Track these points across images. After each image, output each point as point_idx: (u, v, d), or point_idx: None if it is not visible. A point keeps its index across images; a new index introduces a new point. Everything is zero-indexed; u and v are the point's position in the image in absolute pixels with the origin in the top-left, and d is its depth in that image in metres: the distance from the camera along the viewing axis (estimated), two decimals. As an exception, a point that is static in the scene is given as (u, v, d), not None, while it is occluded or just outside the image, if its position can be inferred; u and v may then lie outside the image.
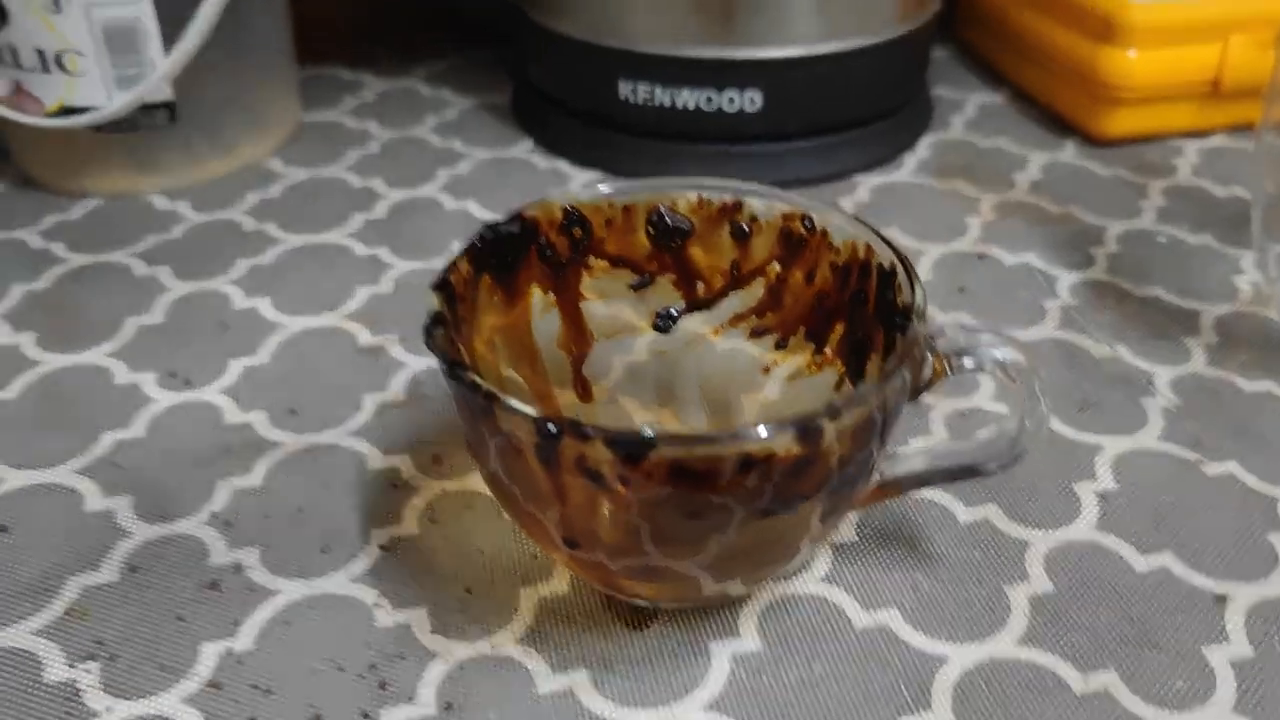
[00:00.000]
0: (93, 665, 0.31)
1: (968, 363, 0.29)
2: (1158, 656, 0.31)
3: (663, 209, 0.35)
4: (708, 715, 0.30)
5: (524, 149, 0.58)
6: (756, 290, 0.35)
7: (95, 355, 0.43)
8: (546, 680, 0.31)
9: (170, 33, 0.49)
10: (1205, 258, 0.48)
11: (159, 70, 0.49)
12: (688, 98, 0.52)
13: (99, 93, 0.50)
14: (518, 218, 0.33)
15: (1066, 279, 0.47)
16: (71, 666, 0.31)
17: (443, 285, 0.30)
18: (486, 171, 0.56)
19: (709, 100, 0.52)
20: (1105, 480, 0.37)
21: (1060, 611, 0.33)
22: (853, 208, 0.52)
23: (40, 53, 0.49)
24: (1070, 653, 0.31)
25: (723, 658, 0.31)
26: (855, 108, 0.54)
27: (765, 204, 0.34)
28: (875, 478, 0.31)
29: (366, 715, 0.30)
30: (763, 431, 0.25)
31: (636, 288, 0.36)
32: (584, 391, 0.36)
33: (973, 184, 0.54)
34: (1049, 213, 0.52)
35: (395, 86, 0.65)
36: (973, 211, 0.52)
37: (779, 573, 0.33)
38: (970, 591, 0.33)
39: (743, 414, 0.36)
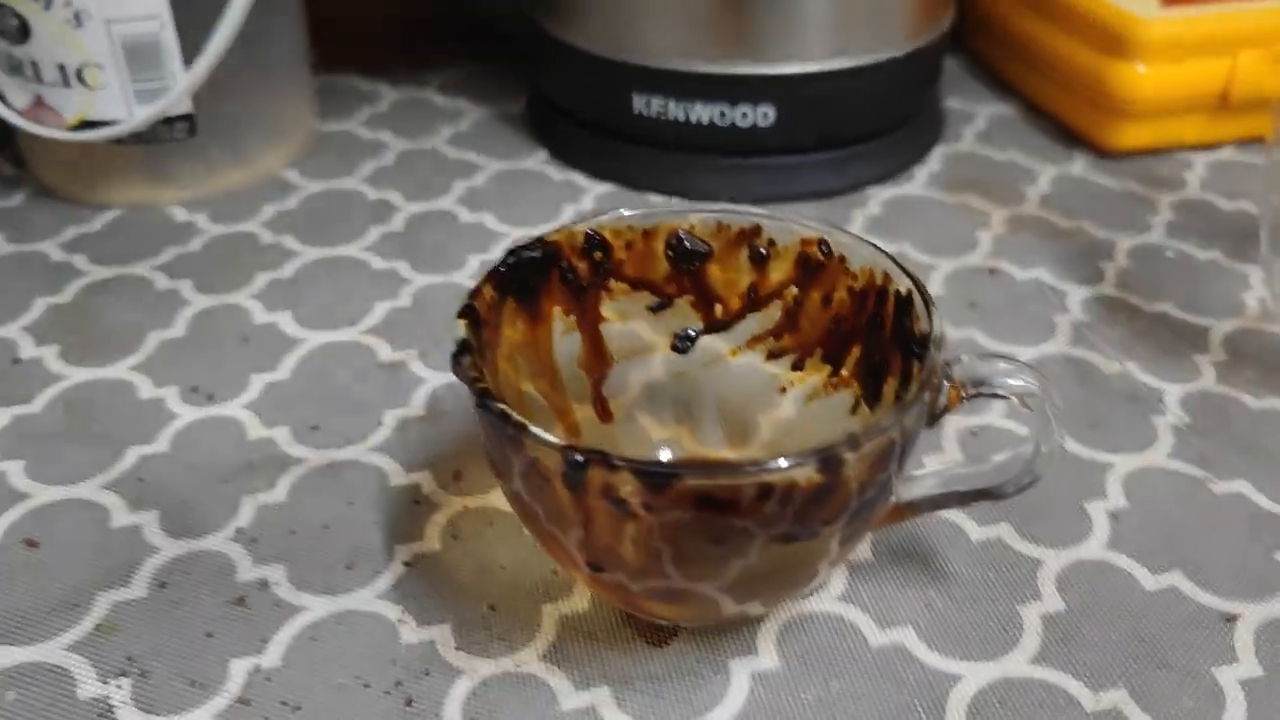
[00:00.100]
0: (124, 681, 0.32)
1: (984, 390, 0.30)
2: (1168, 675, 0.32)
3: (682, 233, 0.35)
4: (728, 733, 0.31)
5: (538, 160, 0.58)
6: (774, 313, 0.36)
7: (118, 369, 0.44)
8: (569, 697, 0.31)
9: (190, 46, 0.50)
10: (1213, 273, 0.49)
11: (180, 84, 0.50)
12: (701, 112, 0.52)
13: (119, 107, 0.50)
14: (540, 242, 0.34)
15: (1077, 294, 0.48)
16: (104, 682, 0.32)
17: (468, 312, 0.31)
18: (501, 183, 0.56)
19: (722, 115, 0.52)
20: (1116, 499, 0.38)
21: (1072, 630, 0.33)
22: (865, 221, 0.53)
23: (61, 67, 0.49)
24: (1082, 671, 0.32)
25: (742, 675, 0.32)
26: (867, 122, 0.55)
27: (783, 228, 0.35)
28: (892, 500, 0.31)
29: (393, 732, 0.31)
30: (785, 462, 0.26)
31: (655, 309, 0.36)
32: (603, 409, 0.37)
33: (983, 197, 0.54)
34: (1059, 227, 0.52)
35: (409, 96, 0.65)
36: (983, 225, 0.52)
37: (798, 594, 0.33)
38: (983, 610, 0.34)
39: (760, 433, 0.37)
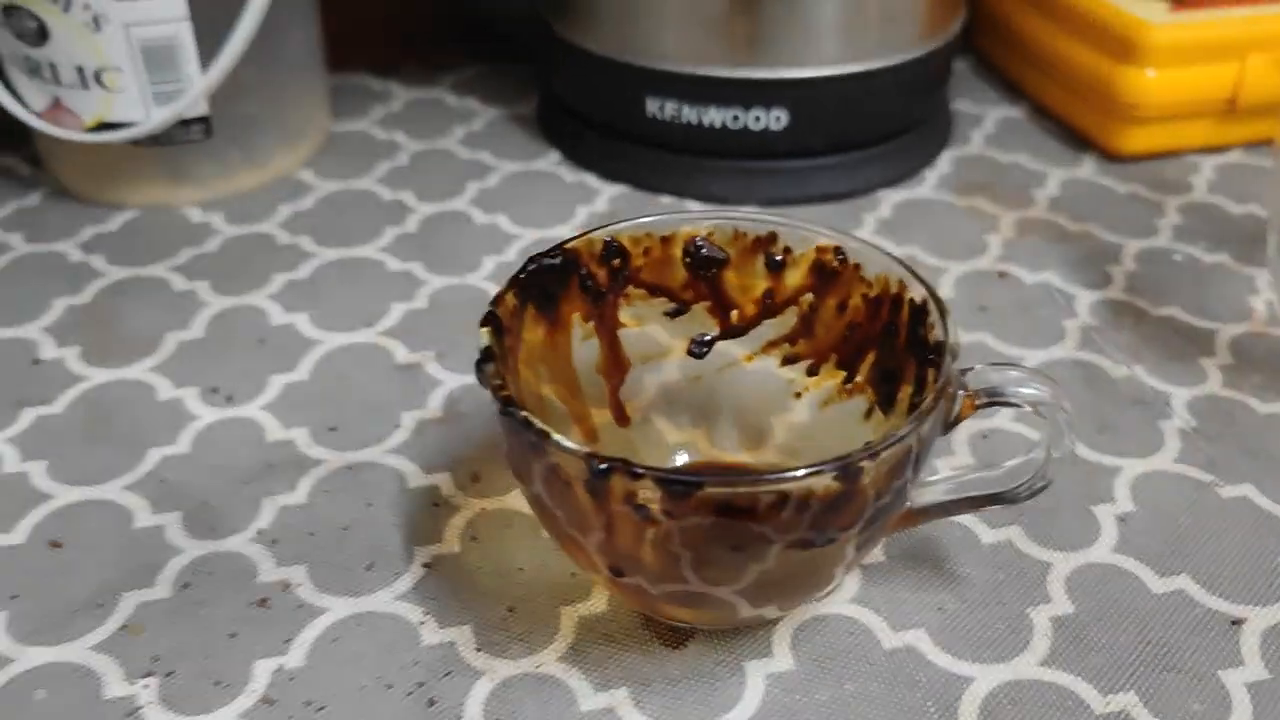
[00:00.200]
0: (151, 681, 0.32)
1: (998, 399, 0.30)
2: (1176, 679, 0.32)
3: (699, 240, 0.36)
4: (744, 734, 0.31)
5: (551, 161, 0.59)
6: (789, 319, 0.36)
7: (138, 370, 0.44)
8: (588, 698, 0.32)
9: (207, 49, 0.50)
10: (1221, 277, 0.49)
11: (197, 86, 0.50)
12: (714, 116, 0.53)
13: (137, 109, 0.51)
14: (560, 249, 0.34)
15: (1085, 298, 0.48)
16: (130, 683, 0.32)
17: (491, 319, 0.31)
18: (515, 185, 0.57)
19: (735, 118, 0.53)
20: (1124, 502, 0.38)
21: (1081, 633, 0.34)
22: (875, 224, 0.53)
23: (80, 69, 0.50)
24: (1091, 674, 0.33)
25: (757, 677, 0.33)
26: (878, 125, 0.55)
27: (799, 236, 0.35)
28: (906, 505, 0.32)
29: (416, 732, 0.31)
30: (804, 471, 0.26)
31: (672, 315, 0.37)
32: (620, 413, 0.37)
33: (992, 201, 0.55)
34: (1067, 230, 0.53)
35: (422, 96, 0.66)
36: (993, 229, 0.53)
37: (813, 598, 0.34)
38: (994, 613, 0.34)
39: (774, 437, 0.37)
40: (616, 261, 0.36)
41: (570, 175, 0.57)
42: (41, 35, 0.49)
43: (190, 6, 0.49)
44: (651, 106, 0.54)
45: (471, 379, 0.43)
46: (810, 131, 0.53)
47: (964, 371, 0.31)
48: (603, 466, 0.27)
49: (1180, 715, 0.31)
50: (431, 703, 0.32)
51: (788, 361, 0.37)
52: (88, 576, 0.36)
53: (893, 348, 0.34)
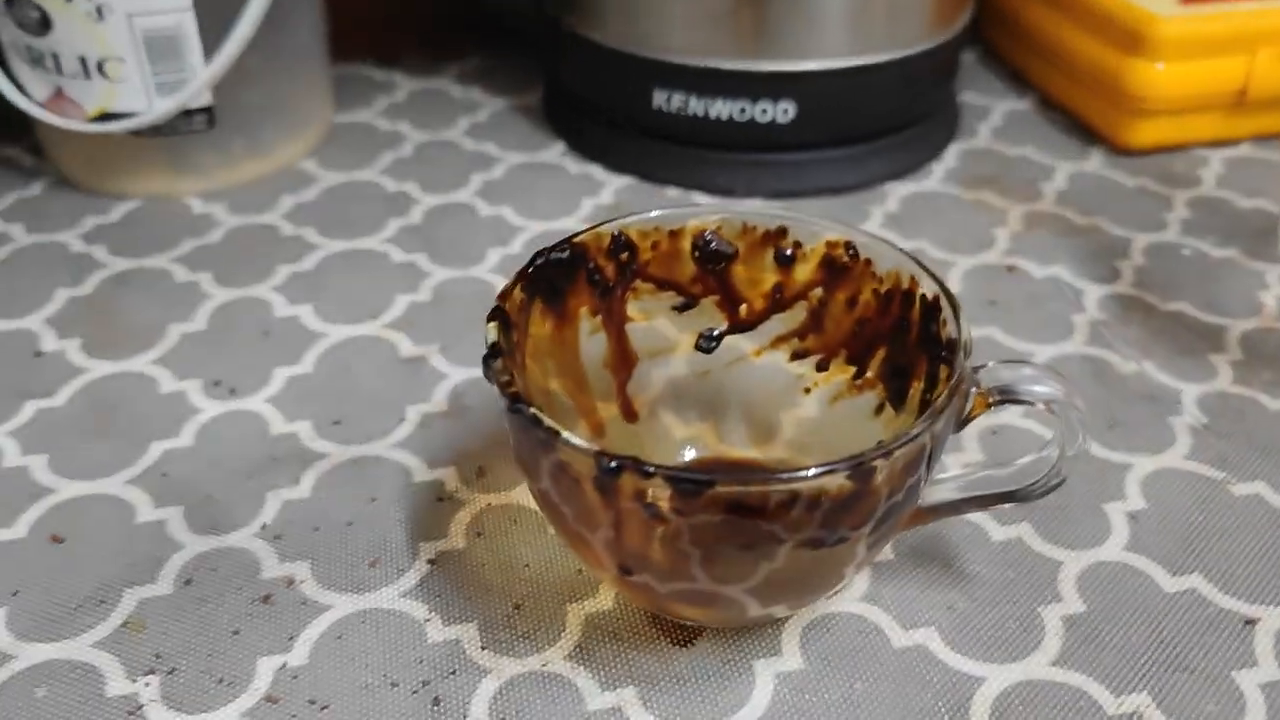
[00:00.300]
0: (153, 679, 0.32)
1: (1010, 397, 0.30)
2: (1189, 679, 0.32)
3: (708, 234, 0.35)
4: (753, 734, 0.31)
5: (556, 153, 0.58)
6: (798, 313, 0.36)
7: (140, 363, 0.44)
8: (595, 698, 0.32)
9: (211, 39, 0.50)
10: (1230, 271, 0.49)
11: (200, 77, 0.50)
12: (721, 108, 0.52)
13: (139, 99, 0.50)
14: (567, 243, 0.34)
15: (1094, 293, 0.48)
16: (132, 680, 0.32)
17: (498, 314, 0.31)
18: (520, 176, 0.56)
19: (742, 111, 0.52)
20: (1135, 500, 0.38)
21: (1093, 632, 0.33)
22: (882, 217, 0.53)
23: (82, 59, 0.49)
24: (1103, 674, 0.32)
25: (766, 676, 0.32)
26: (885, 118, 0.55)
27: (809, 230, 0.35)
28: (918, 502, 0.32)
29: (421, 731, 0.31)
30: (816, 471, 0.26)
31: (680, 309, 0.36)
32: (627, 408, 0.37)
33: (1000, 194, 0.55)
34: (1076, 224, 0.52)
35: (426, 86, 0.65)
36: (1000, 222, 0.52)
37: (823, 597, 0.33)
38: (1005, 611, 0.34)
39: (783, 433, 0.37)
40: (624, 255, 0.35)
41: (576, 167, 0.57)
42: (44, 25, 0.49)
43: (193, -4, 0.49)
44: (658, 98, 0.53)
45: (477, 372, 0.43)
46: (817, 124, 0.53)
47: (976, 369, 0.30)
48: (612, 464, 0.26)
49: (1194, 716, 0.31)
50: (436, 701, 0.31)
51: (797, 356, 0.37)
52: (89, 572, 0.35)
53: (904, 344, 0.33)
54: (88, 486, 0.38)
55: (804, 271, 0.35)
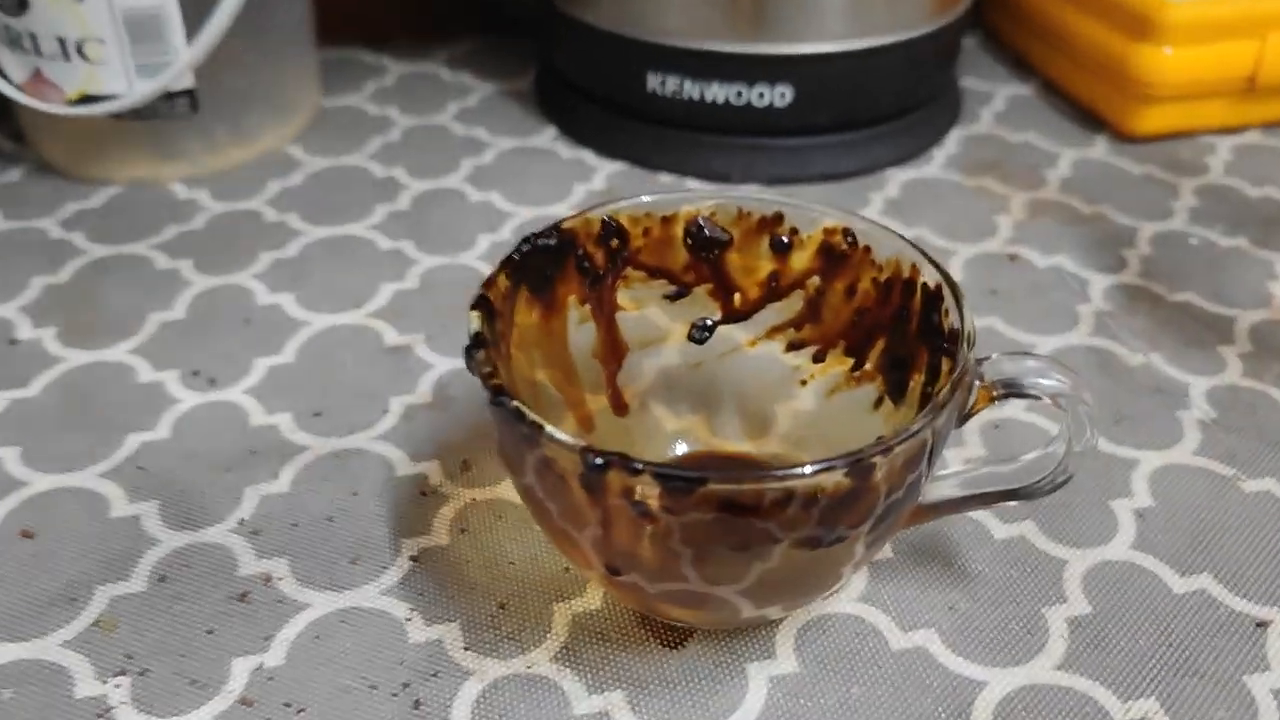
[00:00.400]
0: (123, 680, 0.31)
1: (1015, 390, 0.29)
2: (1198, 684, 0.31)
3: (702, 220, 0.34)
4: (746, 740, 0.30)
5: (547, 138, 0.57)
6: (795, 303, 0.35)
7: (117, 352, 0.43)
8: (582, 701, 0.30)
9: (193, 20, 0.48)
10: (1238, 261, 0.48)
11: (182, 59, 0.49)
12: (717, 91, 0.51)
13: (120, 81, 0.49)
14: (556, 230, 0.33)
15: (1099, 282, 0.46)
16: (102, 681, 0.31)
17: (482, 303, 0.30)
18: (510, 161, 0.55)
19: (739, 94, 0.51)
20: (1142, 497, 0.37)
21: (1099, 635, 0.32)
22: (882, 204, 0.52)
23: (61, 40, 0.48)
24: (1110, 679, 0.31)
25: (760, 680, 0.31)
26: (885, 102, 0.54)
27: (806, 216, 0.34)
28: (919, 500, 0.30)
29: (401, 736, 0.30)
30: (813, 468, 0.25)
31: (673, 298, 0.35)
32: (617, 400, 0.36)
33: (1002, 181, 0.53)
34: (1080, 212, 0.51)
35: (415, 70, 0.64)
36: (1003, 210, 0.51)
37: (819, 598, 0.32)
38: (1008, 613, 0.33)
39: (778, 425, 0.36)
40: (615, 242, 0.34)
41: (567, 152, 0.56)
42: (21, 5, 0.47)
43: (174, -26, 0.47)
44: (653, 82, 0.52)
45: (463, 363, 0.42)
46: (815, 108, 0.52)
47: (980, 361, 0.29)
48: (599, 461, 0.25)
49: (1204, 723, 0.30)
50: (417, 705, 0.30)
51: (793, 347, 0.35)
52: (60, 568, 0.34)
53: (904, 334, 0.32)
54: (61, 479, 0.37)
55: (801, 259, 0.34)
